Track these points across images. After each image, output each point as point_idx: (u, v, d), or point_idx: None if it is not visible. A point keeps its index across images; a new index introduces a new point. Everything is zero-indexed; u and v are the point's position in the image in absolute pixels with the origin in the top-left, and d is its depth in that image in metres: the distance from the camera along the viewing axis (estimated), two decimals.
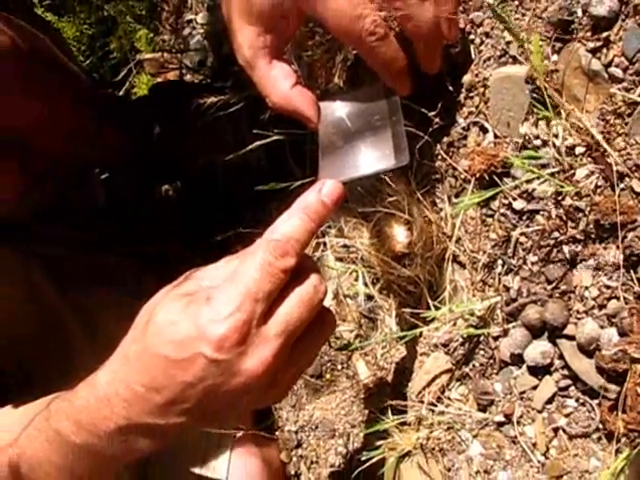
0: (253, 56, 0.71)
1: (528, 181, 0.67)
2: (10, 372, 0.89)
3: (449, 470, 0.77)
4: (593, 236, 0.64)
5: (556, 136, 0.65)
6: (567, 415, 0.67)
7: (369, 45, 0.66)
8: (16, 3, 0.94)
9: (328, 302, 0.91)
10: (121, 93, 1.47)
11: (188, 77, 1.36)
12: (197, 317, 0.59)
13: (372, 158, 0.69)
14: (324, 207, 0.63)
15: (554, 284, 0.66)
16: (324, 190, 0.64)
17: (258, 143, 0.84)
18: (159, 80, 1.42)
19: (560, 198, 0.65)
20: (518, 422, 0.71)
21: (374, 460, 0.77)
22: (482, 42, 0.72)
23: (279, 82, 0.71)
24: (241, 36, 0.71)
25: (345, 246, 0.88)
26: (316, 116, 0.72)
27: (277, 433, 1.01)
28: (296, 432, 1.00)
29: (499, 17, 0.61)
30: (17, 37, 0.83)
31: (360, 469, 0.79)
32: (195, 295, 0.61)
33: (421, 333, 0.80)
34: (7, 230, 0.95)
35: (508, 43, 0.69)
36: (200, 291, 0.62)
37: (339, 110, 0.74)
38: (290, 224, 0.62)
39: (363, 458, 0.77)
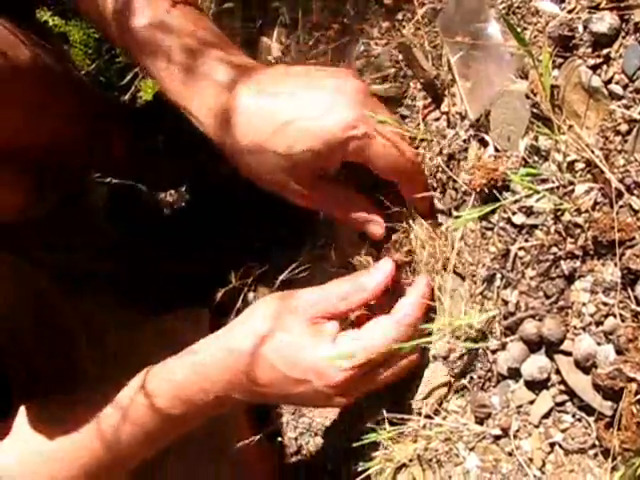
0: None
1: (528, 196, 0.67)
2: (18, 378, 0.90)
3: None
4: (591, 252, 0.63)
5: (556, 152, 0.65)
6: (563, 430, 0.67)
7: None
8: (22, 12, 0.94)
9: None
10: (127, 97, 1.47)
11: None
12: (321, 352, 0.71)
13: None
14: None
15: (552, 299, 0.66)
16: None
17: None
18: None
19: (559, 214, 0.65)
20: (515, 436, 0.71)
21: (371, 471, 0.77)
22: None
23: None
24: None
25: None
26: None
27: (277, 439, 1.01)
28: (295, 439, 1.00)
29: (512, 30, 0.61)
30: (35, 53, 0.83)
31: None
32: (321, 327, 0.73)
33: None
34: (14, 238, 0.96)
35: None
36: (326, 325, 0.73)
37: None
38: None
39: (360, 469, 0.77)
